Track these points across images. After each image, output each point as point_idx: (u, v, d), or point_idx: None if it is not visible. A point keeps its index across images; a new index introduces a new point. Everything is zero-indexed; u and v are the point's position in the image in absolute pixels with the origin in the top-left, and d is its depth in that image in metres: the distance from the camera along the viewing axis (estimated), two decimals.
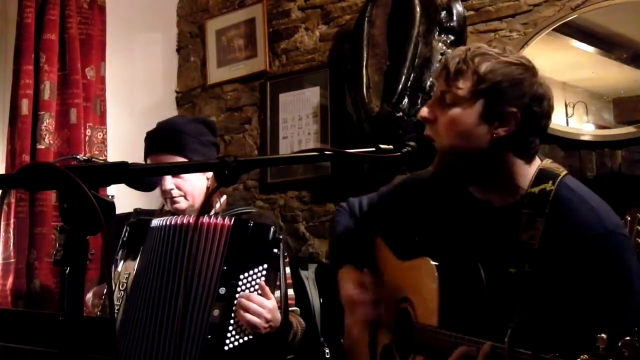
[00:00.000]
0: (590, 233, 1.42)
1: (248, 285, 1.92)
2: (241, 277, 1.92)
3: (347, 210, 1.97)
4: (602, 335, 1.06)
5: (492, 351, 1.32)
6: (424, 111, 1.56)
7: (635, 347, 1.04)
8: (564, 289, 1.42)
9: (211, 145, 2.29)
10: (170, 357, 1.89)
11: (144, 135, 2.30)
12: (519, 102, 1.48)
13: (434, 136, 1.52)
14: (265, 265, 1.94)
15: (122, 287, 2.04)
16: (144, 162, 2.28)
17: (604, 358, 1.05)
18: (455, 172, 1.58)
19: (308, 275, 2.80)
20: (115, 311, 1.99)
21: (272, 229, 1.96)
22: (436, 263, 1.55)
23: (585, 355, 1.08)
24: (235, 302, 1.90)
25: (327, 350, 2.54)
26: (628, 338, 1.04)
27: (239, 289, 1.91)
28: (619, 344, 1.04)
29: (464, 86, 1.49)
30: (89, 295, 2.26)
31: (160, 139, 2.24)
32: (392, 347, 1.73)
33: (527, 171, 1.53)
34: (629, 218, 2.06)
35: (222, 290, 1.91)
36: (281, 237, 1.98)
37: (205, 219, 1.99)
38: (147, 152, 2.27)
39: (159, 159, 2.21)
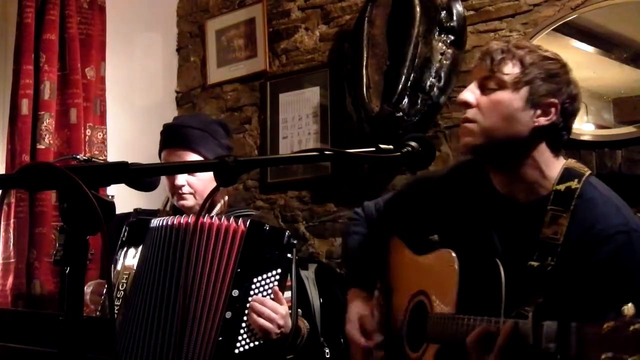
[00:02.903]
0: (612, 230, 1.46)
1: (261, 289, 1.91)
2: (255, 280, 1.91)
3: (363, 217, 1.98)
4: (629, 305, 1.07)
5: (515, 327, 1.31)
6: (469, 95, 1.58)
7: None
8: (585, 284, 1.45)
9: (227, 148, 2.29)
10: (171, 356, 1.89)
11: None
12: (559, 95, 1.54)
13: (474, 118, 1.56)
14: (279, 270, 1.93)
15: (121, 287, 2.04)
16: (145, 161, 2.27)
17: (632, 324, 1.05)
18: (489, 156, 1.61)
19: (308, 275, 2.79)
20: (115, 311, 1.99)
21: (286, 234, 1.96)
22: (457, 255, 1.57)
23: (611, 322, 1.08)
24: (247, 305, 1.89)
25: (327, 350, 2.54)
26: None
27: (252, 292, 1.90)
28: None
29: (510, 72, 1.54)
30: (87, 291, 2.26)
31: (182, 134, 2.23)
32: (403, 339, 1.73)
33: (554, 165, 1.57)
34: None
35: (235, 293, 1.89)
36: (295, 242, 1.97)
37: (215, 220, 1.98)
38: (165, 145, 2.25)
39: (177, 153, 2.20)
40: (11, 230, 3.09)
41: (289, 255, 1.94)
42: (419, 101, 2.76)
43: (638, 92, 2.46)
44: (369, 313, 1.84)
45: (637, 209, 2.09)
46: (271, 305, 1.89)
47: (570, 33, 2.62)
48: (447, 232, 1.70)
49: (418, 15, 2.77)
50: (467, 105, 1.58)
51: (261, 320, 1.87)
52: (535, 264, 1.49)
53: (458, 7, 2.77)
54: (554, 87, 1.54)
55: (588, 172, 1.58)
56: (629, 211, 1.53)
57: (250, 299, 1.90)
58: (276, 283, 1.92)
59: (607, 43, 2.60)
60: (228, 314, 1.88)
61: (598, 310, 1.40)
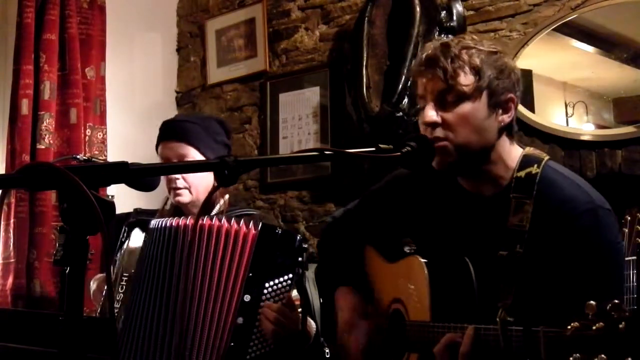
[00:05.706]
0: (579, 209, 1.46)
1: (273, 294, 1.88)
2: (267, 285, 1.88)
3: (333, 224, 1.96)
4: (591, 302, 1.09)
5: (475, 333, 1.34)
6: (433, 116, 1.51)
7: (622, 309, 1.07)
8: (555, 266, 1.45)
9: (224, 145, 2.28)
10: (171, 358, 1.87)
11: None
12: (513, 88, 1.53)
13: (445, 136, 1.50)
14: (291, 275, 1.90)
15: (121, 289, 2.03)
16: (145, 161, 2.27)
17: (594, 323, 1.08)
18: (463, 169, 1.58)
19: (308, 275, 2.78)
20: (115, 311, 1.98)
21: (298, 237, 1.93)
22: (425, 260, 1.56)
23: (576, 323, 1.10)
24: (259, 310, 1.86)
25: (327, 350, 2.53)
26: (616, 301, 1.07)
27: (264, 297, 1.87)
28: (607, 307, 1.07)
29: (467, 82, 1.49)
30: (93, 285, 2.26)
31: (177, 127, 2.23)
32: (386, 349, 1.73)
33: (513, 154, 1.56)
34: (629, 218, 2.06)
35: (247, 298, 1.86)
36: (305, 245, 1.95)
37: (224, 222, 1.95)
38: (161, 139, 2.25)
39: (171, 146, 2.20)
40: (11, 230, 3.09)
41: (300, 259, 1.92)
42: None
43: (638, 92, 2.46)
44: (355, 301, 1.82)
45: (637, 208, 2.09)
46: (284, 312, 1.87)
47: (570, 33, 2.62)
48: (417, 234, 1.68)
49: (418, 15, 2.78)
50: (432, 125, 1.51)
51: (273, 327, 1.85)
52: (504, 253, 1.48)
53: (458, 7, 2.78)
54: (507, 82, 1.51)
55: (547, 157, 1.57)
56: (592, 189, 1.51)
57: (262, 304, 1.86)
58: (288, 288, 1.89)
59: (607, 43, 2.60)
60: (240, 320, 1.84)
61: (571, 293, 1.40)
